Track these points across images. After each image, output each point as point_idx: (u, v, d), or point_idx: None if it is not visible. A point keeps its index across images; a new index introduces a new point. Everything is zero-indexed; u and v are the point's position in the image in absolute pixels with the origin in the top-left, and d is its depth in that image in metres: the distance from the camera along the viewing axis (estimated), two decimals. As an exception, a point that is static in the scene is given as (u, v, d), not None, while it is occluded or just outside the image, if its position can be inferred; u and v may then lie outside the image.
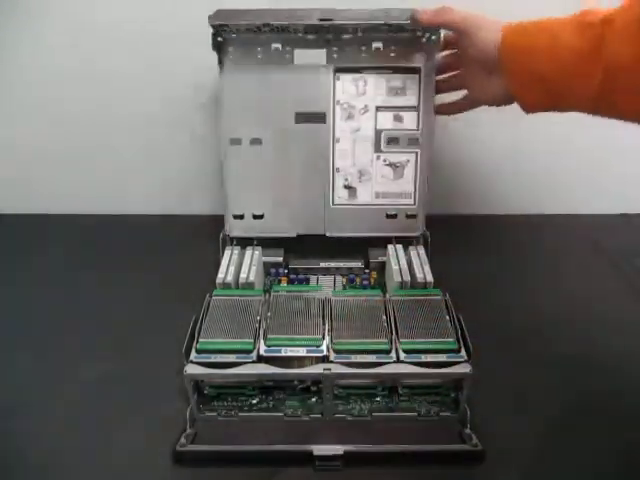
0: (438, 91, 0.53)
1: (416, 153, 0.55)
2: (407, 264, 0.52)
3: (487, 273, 0.60)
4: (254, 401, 0.44)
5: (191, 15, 0.52)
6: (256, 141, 0.55)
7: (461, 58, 0.50)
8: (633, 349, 0.50)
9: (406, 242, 0.56)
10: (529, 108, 0.44)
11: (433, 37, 0.51)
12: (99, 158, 0.69)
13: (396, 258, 0.54)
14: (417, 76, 0.53)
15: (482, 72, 0.46)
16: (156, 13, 0.59)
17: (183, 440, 0.40)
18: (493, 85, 0.46)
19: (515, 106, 0.45)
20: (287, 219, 0.57)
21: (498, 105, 0.48)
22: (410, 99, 0.54)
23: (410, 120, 0.54)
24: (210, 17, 0.48)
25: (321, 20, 0.48)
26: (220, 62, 0.52)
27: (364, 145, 0.55)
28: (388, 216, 0.57)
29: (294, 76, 0.53)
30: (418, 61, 0.52)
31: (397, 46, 0.52)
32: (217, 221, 0.57)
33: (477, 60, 0.46)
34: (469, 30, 0.44)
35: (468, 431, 0.41)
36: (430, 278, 0.50)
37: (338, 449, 0.39)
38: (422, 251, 0.55)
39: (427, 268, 0.51)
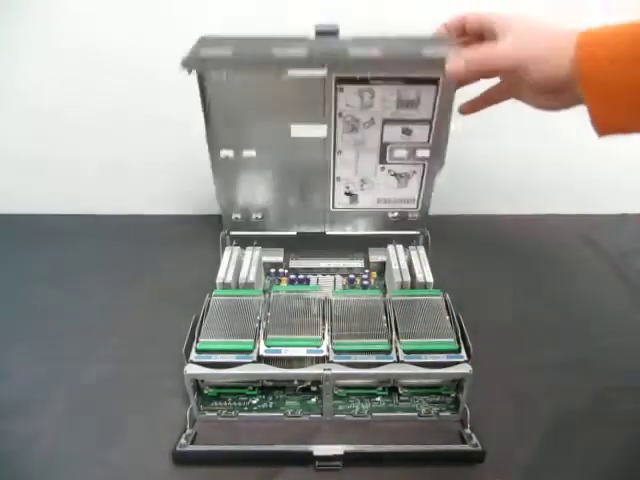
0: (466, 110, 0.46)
1: (423, 165, 0.51)
2: (407, 264, 0.52)
3: (487, 273, 0.60)
4: (254, 401, 0.44)
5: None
6: (249, 155, 0.50)
7: (509, 87, 0.43)
8: (633, 349, 0.50)
9: (406, 242, 0.56)
10: (609, 131, 0.36)
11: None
12: (99, 158, 0.69)
13: (396, 258, 0.54)
14: (434, 87, 0.46)
15: (544, 95, 0.39)
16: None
17: (183, 440, 0.40)
18: (559, 102, 0.39)
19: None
20: (287, 219, 0.56)
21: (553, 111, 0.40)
22: (423, 112, 0.47)
23: (420, 133, 0.48)
24: (185, 61, 0.42)
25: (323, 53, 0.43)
26: (201, 84, 0.45)
27: (368, 156, 0.50)
28: (389, 217, 0.56)
29: (290, 87, 0.45)
30: (436, 71, 0.44)
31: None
32: (217, 221, 0.57)
33: (539, 89, 0.38)
34: (523, 67, 0.36)
35: (468, 431, 0.41)
36: (430, 278, 0.50)
37: (338, 449, 0.39)
38: (422, 251, 0.55)
39: (427, 268, 0.51)
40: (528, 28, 0.37)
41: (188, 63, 0.42)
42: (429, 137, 0.49)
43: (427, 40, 0.43)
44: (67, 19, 0.60)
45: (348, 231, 0.57)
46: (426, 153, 0.50)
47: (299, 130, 0.48)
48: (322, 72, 0.45)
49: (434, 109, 0.47)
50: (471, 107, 0.47)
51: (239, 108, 0.47)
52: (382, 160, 0.51)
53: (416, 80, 0.46)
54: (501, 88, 0.45)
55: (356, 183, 0.53)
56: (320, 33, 0.44)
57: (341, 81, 0.46)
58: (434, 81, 0.46)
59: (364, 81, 0.46)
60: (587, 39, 0.35)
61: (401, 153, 0.50)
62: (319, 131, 0.48)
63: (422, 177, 0.52)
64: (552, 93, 0.38)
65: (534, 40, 0.36)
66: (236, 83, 0.46)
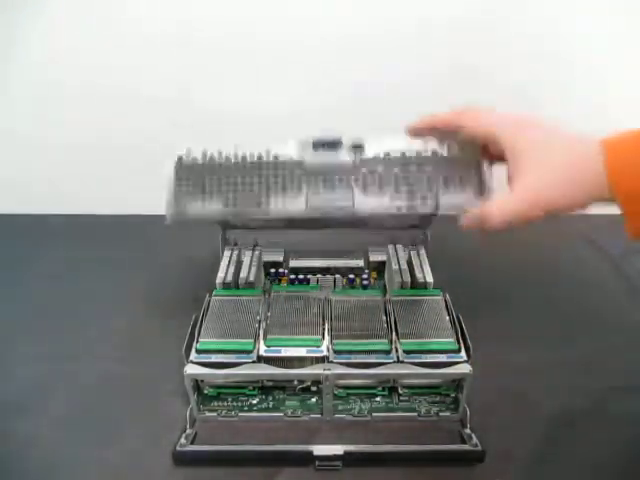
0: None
1: None
2: (407, 264, 0.52)
3: (487, 273, 0.60)
4: (254, 401, 0.44)
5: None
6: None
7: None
8: (633, 349, 0.50)
9: (406, 242, 0.56)
10: None
11: None
12: (99, 158, 0.69)
13: (396, 258, 0.54)
14: None
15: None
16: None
17: (183, 440, 0.40)
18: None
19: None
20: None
21: None
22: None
23: None
24: (172, 219, 0.40)
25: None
26: None
27: None
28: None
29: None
30: None
31: None
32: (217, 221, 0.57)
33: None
34: (559, 210, 0.33)
35: (468, 431, 0.41)
36: (430, 278, 0.50)
37: (338, 449, 0.39)
38: (422, 251, 0.55)
39: (427, 268, 0.51)
40: (547, 158, 0.33)
41: (174, 220, 0.40)
42: None
43: (445, 166, 0.39)
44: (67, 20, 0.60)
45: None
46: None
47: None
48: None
49: None
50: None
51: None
52: None
53: None
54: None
55: None
56: (319, 146, 0.40)
57: None
58: None
59: None
60: (614, 154, 0.32)
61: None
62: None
63: None
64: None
65: (558, 176, 0.33)
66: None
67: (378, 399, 0.44)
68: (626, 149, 0.32)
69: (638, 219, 0.33)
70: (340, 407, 0.43)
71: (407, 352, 0.41)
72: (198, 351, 0.41)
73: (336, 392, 0.42)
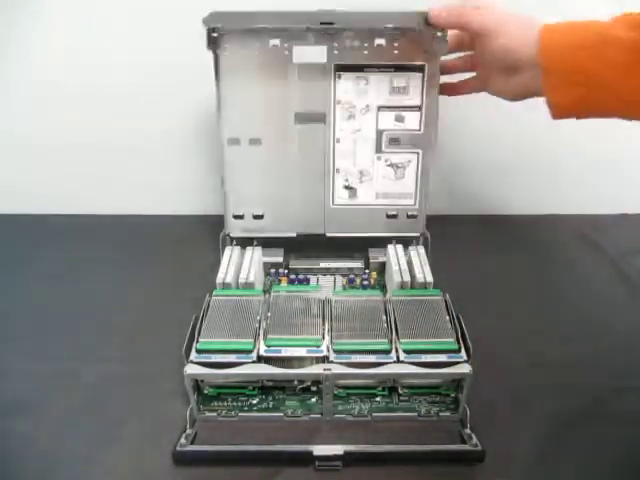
0: (445, 91, 0.52)
1: (418, 154, 0.54)
2: (407, 264, 0.53)
3: (487, 273, 0.60)
4: (254, 401, 0.44)
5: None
6: (255, 141, 0.54)
7: (477, 59, 0.48)
8: (633, 349, 0.50)
9: (406, 242, 0.56)
10: (562, 112, 0.41)
11: (439, 34, 0.48)
12: (99, 158, 0.69)
13: (396, 258, 0.54)
14: (421, 75, 0.51)
15: (503, 73, 0.44)
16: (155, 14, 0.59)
17: (183, 440, 0.40)
18: (515, 84, 0.44)
19: (518, 106, 0.45)
20: (287, 219, 0.57)
21: (513, 100, 0.46)
22: (413, 98, 0.52)
23: (412, 120, 0.53)
24: (205, 19, 0.47)
25: (322, 24, 0.48)
26: (216, 62, 0.50)
27: (365, 146, 0.54)
28: (388, 216, 0.57)
29: (294, 75, 0.51)
30: (422, 59, 0.50)
31: (401, 43, 0.50)
32: (217, 221, 0.57)
33: (499, 62, 0.44)
34: (491, 32, 0.42)
35: (468, 431, 0.41)
36: (430, 278, 0.50)
37: (338, 449, 0.39)
38: (422, 251, 0.55)
39: (427, 268, 0.51)
40: (507, 11, 0.43)
41: (208, 21, 0.47)
42: (420, 124, 0.53)
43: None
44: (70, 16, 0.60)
45: (348, 232, 0.57)
46: (419, 140, 0.54)
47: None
48: (323, 55, 0.50)
49: (422, 95, 0.52)
50: (449, 89, 0.53)
51: (249, 92, 0.52)
52: (378, 149, 0.54)
53: (405, 68, 0.51)
54: (476, 78, 0.50)
55: (354, 175, 0.55)
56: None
57: (339, 68, 0.51)
58: (420, 68, 0.51)
59: (360, 69, 0.51)
60: (550, 26, 0.40)
61: (395, 140, 0.54)
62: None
63: (417, 167, 0.55)
64: (513, 70, 0.43)
65: (509, 15, 0.42)
66: (247, 63, 0.51)
67: (378, 399, 0.44)
68: (559, 30, 0.40)
69: (556, 92, 0.40)
70: (340, 407, 0.43)
71: (407, 352, 0.41)
72: (198, 351, 0.41)
73: (336, 392, 0.42)
